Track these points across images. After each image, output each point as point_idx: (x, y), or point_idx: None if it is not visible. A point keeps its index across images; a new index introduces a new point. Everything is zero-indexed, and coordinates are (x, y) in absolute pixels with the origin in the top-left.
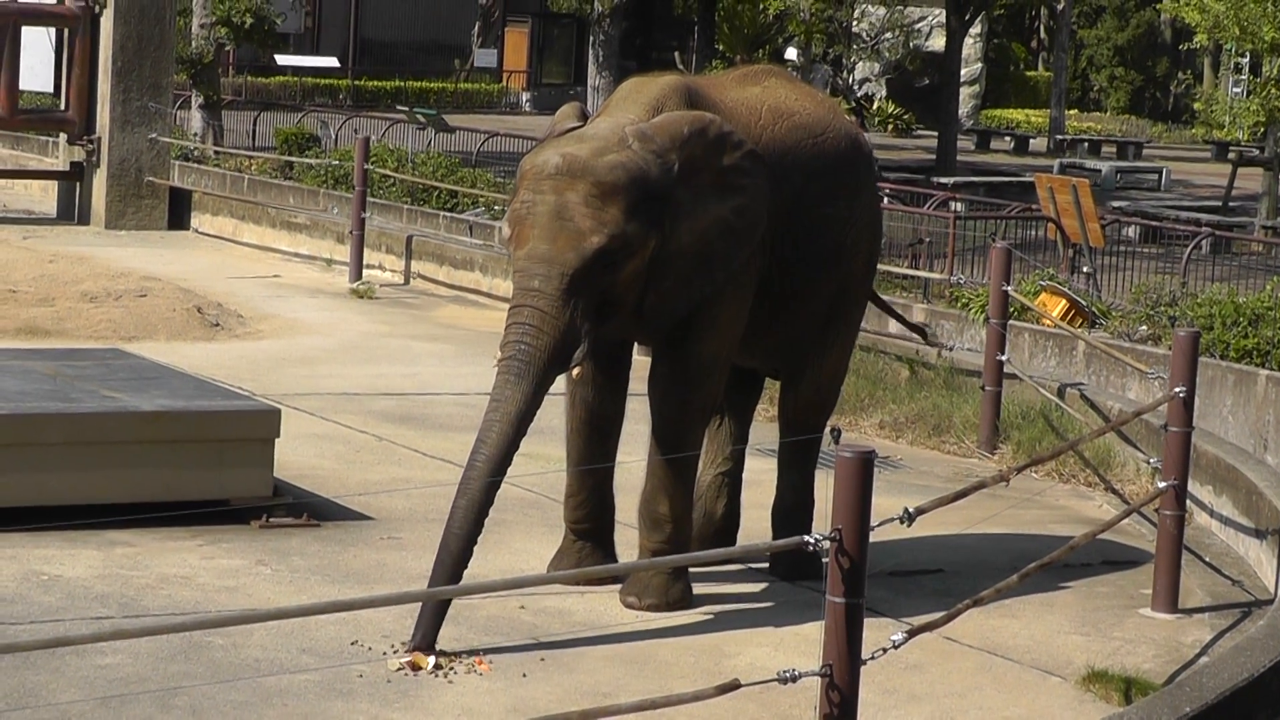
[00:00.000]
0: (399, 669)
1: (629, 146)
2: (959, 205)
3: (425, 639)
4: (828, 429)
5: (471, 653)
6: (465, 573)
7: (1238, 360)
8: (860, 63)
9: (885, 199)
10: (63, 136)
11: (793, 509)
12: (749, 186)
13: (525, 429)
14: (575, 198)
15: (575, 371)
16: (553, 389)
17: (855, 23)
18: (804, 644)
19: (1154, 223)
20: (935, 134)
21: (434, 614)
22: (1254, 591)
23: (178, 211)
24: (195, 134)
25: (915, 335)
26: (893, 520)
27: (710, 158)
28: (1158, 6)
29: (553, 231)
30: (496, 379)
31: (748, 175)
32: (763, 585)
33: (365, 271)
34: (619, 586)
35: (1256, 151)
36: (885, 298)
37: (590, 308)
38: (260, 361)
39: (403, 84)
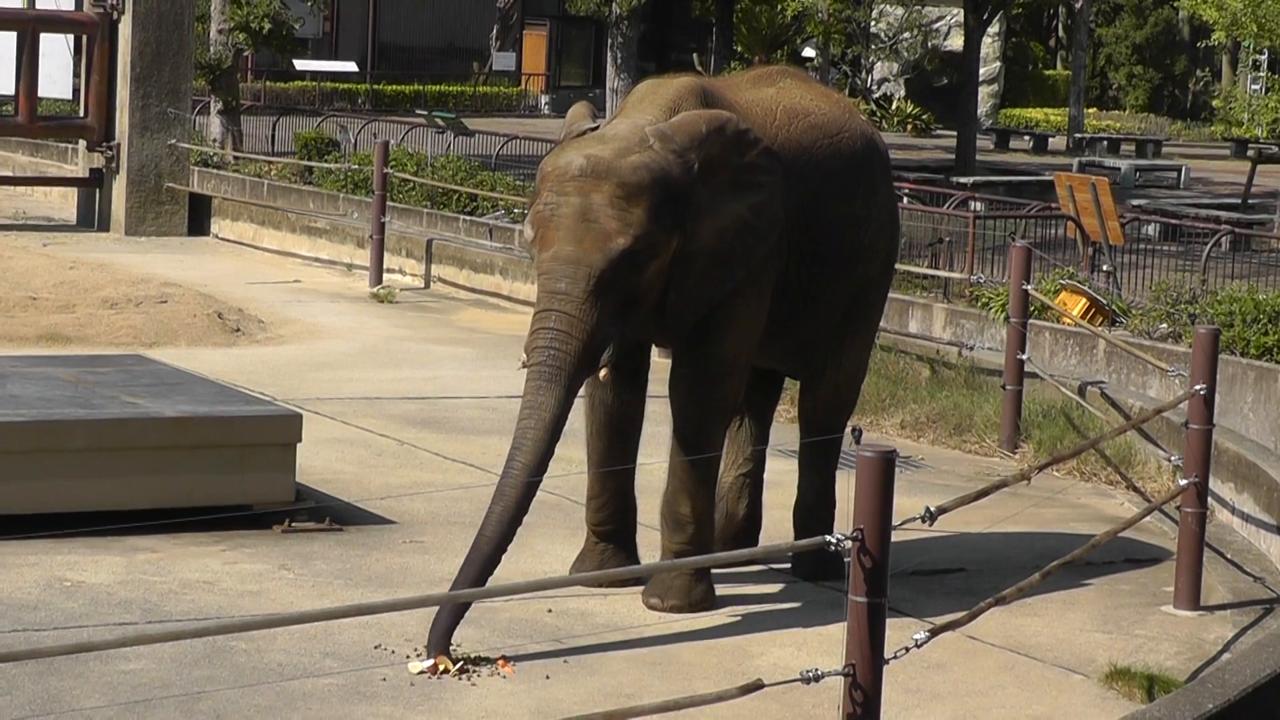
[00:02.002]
0: (421, 672)
1: (650, 147)
2: (978, 204)
3: (439, 643)
4: (849, 429)
5: (491, 661)
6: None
7: (1258, 357)
8: (879, 63)
9: (905, 199)
10: (82, 143)
11: (814, 509)
12: (766, 185)
13: (559, 433)
14: (600, 199)
15: (603, 373)
16: None
17: (873, 23)
18: (827, 644)
19: (1173, 220)
20: (954, 133)
21: (451, 616)
22: (1276, 588)
23: (197, 217)
24: (214, 139)
25: (936, 340)
26: (914, 519)
27: (728, 156)
28: (1175, 4)
29: (578, 233)
30: (527, 384)
31: (765, 173)
32: (785, 586)
33: (385, 276)
34: (641, 588)
35: (1275, 148)
36: (906, 298)
37: (616, 309)
38: (281, 366)
39: (421, 88)
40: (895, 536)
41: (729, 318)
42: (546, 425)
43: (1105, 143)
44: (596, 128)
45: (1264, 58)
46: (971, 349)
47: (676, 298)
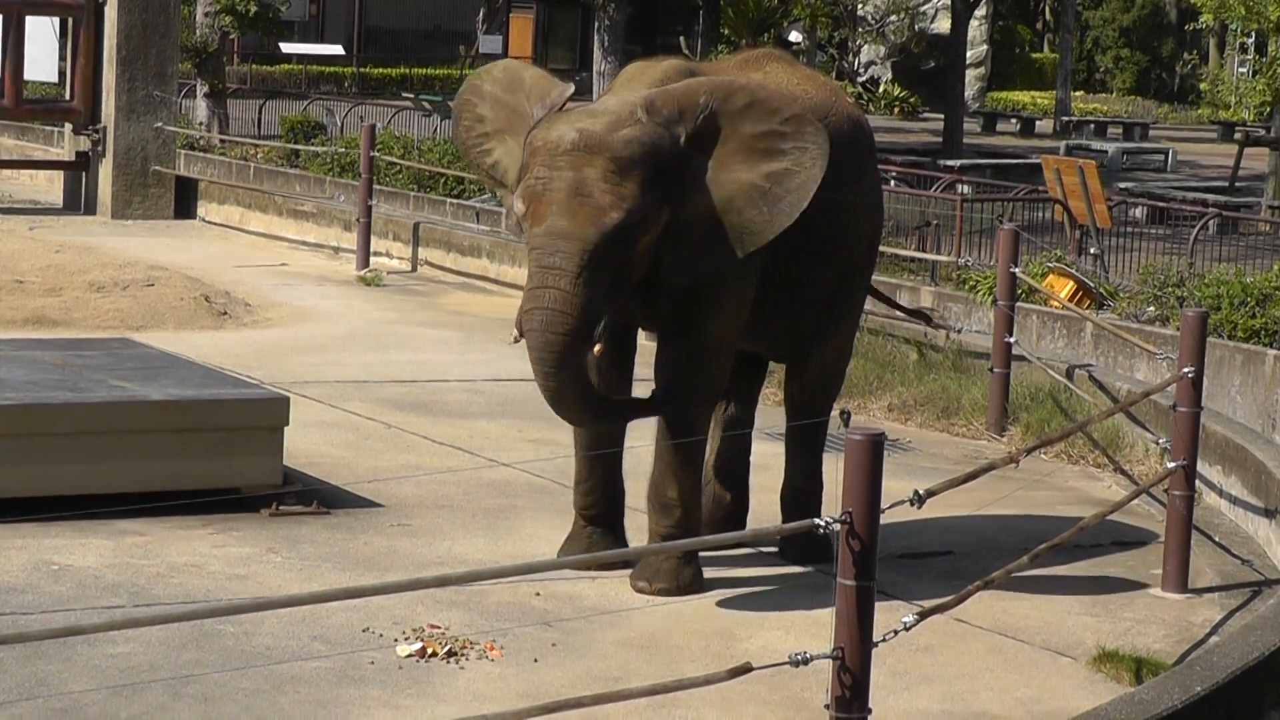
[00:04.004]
0: (410, 655)
1: (639, 120)
2: (966, 188)
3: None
4: (837, 412)
5: (479, 644)
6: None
7: (1245, 340)
8: (865, 46)
9: (892, 182)
10: (68, 126)
11: (802, 492)
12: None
13: (580, 394)
14: (593, 173)
15: (596, 349)
16: None
17: (860, 6)
18: (815, 627)
19: (1161, 203)
20: (941, 116)
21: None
22: (1264, 571)
23: (184, 200)
24: (201, 123)
25: (921, 320)
26: (903, 503)
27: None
28: None
29: (572, 207)
30: (535, 373)
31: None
32: (773, 569)
33: (372, 259)
34: (629, 571)
35: (1262, 131)
36: (893, 281)
37: (608, 284)
38: (268, 350)
39: (408, 71)
40: (883, 519)
41: (715, 301)
42: (576, 395)
43: (1092, 126)
44: (575, 99)
45: (1251, 40)
46: (959, 331)
47: (672, 263)
